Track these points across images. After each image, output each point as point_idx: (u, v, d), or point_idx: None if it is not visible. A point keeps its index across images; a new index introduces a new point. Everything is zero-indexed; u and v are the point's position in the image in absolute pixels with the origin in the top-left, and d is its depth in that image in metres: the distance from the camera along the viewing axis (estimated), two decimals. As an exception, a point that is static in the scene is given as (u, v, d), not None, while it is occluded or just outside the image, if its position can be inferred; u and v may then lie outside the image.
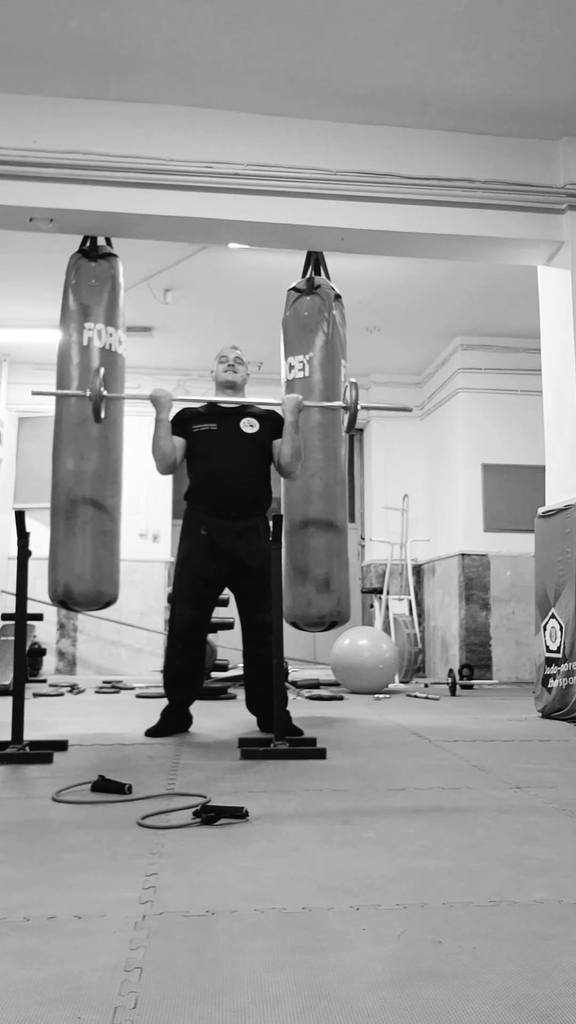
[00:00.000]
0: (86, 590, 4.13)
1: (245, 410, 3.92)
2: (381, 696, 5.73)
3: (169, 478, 8.01)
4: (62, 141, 4.32)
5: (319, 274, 4.68)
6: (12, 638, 5.36)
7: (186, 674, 3.83)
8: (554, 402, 4.86)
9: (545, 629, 4.62)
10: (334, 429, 4.38)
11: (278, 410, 3.95)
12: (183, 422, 3.87)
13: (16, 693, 3.08)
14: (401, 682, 6.85)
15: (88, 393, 3.82)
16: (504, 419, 7.40)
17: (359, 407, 3.81)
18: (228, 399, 3.92)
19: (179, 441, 3.83)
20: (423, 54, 4.05)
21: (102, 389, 3.76)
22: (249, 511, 3.79)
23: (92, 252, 4.46)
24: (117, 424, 4.31)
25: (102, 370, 3.88)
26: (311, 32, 3.91)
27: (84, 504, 4.14)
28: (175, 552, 3.98)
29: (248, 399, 4.00)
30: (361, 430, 8.85)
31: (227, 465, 3.77)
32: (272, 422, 3.91)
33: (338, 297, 4.57)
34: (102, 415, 3.81)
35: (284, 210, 4.51)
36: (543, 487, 4.93)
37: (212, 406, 3.94)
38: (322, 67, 4.15)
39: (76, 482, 4.16)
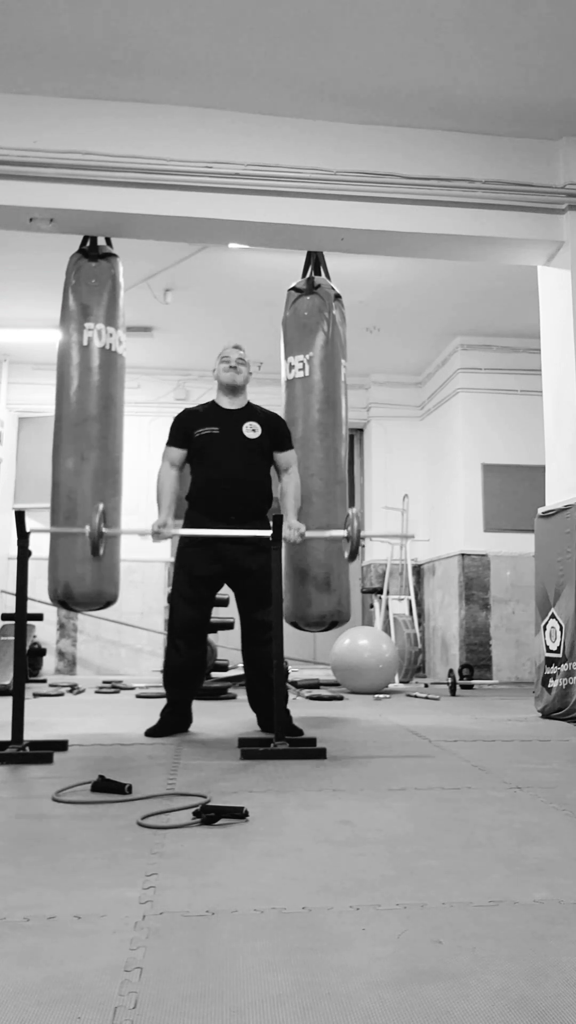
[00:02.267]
0: (86, 590, 4.13)
1: (247, 414, 3.90)
2: (381, 696, 5.73)
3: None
4: (62, 141, 4.32)
5: (319, 274, 4.68)
6: (12, 638, 5.36)
7: (186, 673, 3.83)
8: (554, 402, 4.86)
9: (545, 629, 4.62)
10: (334, 429, 4.39)
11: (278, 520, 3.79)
12: (185, 427, 3.86)
13: (16, 693, 3.08)
14: (401, 682, 6.85)
15: (87, 531, 3.60)
16: (504, 419, 7.40)
17: (362, 537, 3.67)
18: (230, 404, 3.90)
19: (178, 454, 3.84)
20: (423, 54, 4.05)
21: (101, 526, 3.57)
22: (249, 515, 3.78)
23: (92, 252, 4.46)
24: (117, 424, 4.31)
25: (101, 506, 3.66)
26: (311, 32, 3.91)
27: (84, 504, 4.14)
28: (175, 552, 3.98)
29: (250, 399, 3.99)
30: (361, 430, 8.85)
31: (228, 470, 3.77)
32: (273, 426, 3.90)
33: (338, 297, 4.57)
34: (100, 552, 3.62)
35: (284, 210, 4.51)
36: (543, 487, 4.93)
37: (214, 408, 3.93)
38: (322, 67, 4.15)
39: (76, 482, 4.16)
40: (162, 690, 3.99)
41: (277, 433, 3.90)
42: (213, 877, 1.66)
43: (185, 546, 3.84)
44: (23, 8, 3.76)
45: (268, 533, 3.46)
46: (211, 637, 5.58)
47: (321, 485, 4.28)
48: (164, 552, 8.28)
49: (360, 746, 3.44)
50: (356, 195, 4.54)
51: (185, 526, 3.86)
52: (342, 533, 3.67)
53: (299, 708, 4.73)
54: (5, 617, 6.04)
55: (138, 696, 5.72)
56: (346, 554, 3.69)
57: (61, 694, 5.80)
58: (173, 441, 3.87)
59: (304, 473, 4.14)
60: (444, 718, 4.44)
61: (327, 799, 2.39)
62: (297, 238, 4.69)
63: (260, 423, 3.88)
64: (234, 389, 3.92)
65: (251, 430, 3.84)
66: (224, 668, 6.16)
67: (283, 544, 3.57)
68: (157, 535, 3.66)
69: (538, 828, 2.06)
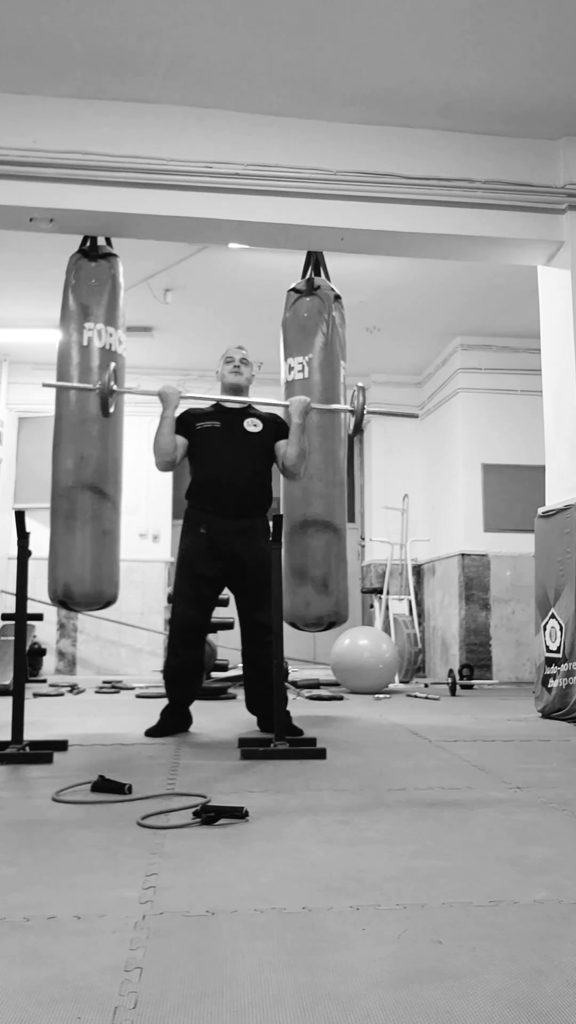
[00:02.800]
0: (86, 590, 4.13)
1: (249, 410, 3.93)
2: (381, 696, 5.73)
3: (169, 478, 8.02)
4: (62, 141, 4.32)
5: (319, 274, 4.68)
6: (12, 638, 5.36)
7: (186, 673, 3.84)
8: (554, 402, 4.86)
9: (545, 629, 4.62)
10: (333, 431, 4.39)
11: (283, 412, 3.95)
12: (187, 421, 3.87)
13: (16, 693, 3.08)
14: (401, 682, 6.85)
15: (97, 387, 3.82)
16: (504, 419, 7.40)
17: (366, 411, 3.79)
18: (233, 399, 3.92)
19: (180, 440, 3.83)
20: (423, 54, 4.05)
21: (112, 383, 3.76)
22: (249, 510, 3.79)
23: (92, 252, 4.46)
24: (117, 424, 4.31)
25: (112, 365, 3.90)
26: (311, 32, 3.91)
27: (84, 504, 4.14)
28: (175, 552, 3.99)
29: (252, 399, 4.00)
30: (361, 430, 8.84)
31: (229, 464, 3.78)
32: (275, 424, 3.91)
33: (338, 298, 4.57)
34: (110, 409, 3.81)
35: (284, 210, 4.51)
36: (543, 487, 4.93)
37: (216, 405, 3.95)
38: (322, 67, 4.15)
39: (76, 482, 4.16)
40: (162, 690, 3.99)
41: (280, 427, 3.91)
42: (213, 877, 1.66)
43: (186, 546, 3.84)
44: (23, 8, 3.76)
45: (268, 535, 3.46)
46: (211, 637, 5.58)
47: (321, 487, 4.28)
48: (164, 552, 8.28)
49: (360, 746, 3.44)
50: (356, 195, 4.54)
51: (185, 523, 3.86)
52: (347, 407, 3.78)
53: (299, 708, 4.73)
54: (5, 617, 6.00)
55: (138, 696, 5.72)
56: (350, 429, 3.75)
57: (61, 694, 5.80)
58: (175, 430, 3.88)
59: (304, 474, 4.14)
60: (444, 718, 4.44)
61: (327, 799, 2.39)
62: (297, 238, 4.69)
63: (261, 419, 3.90)
64: (238, 390, 3.93)
65: (252, 425, 3.86)
66: (224, 668, 6.15)
67: (282, 542, 3.57)
68: (164, 396, 3.75)
69: (538, 828, 2.06)
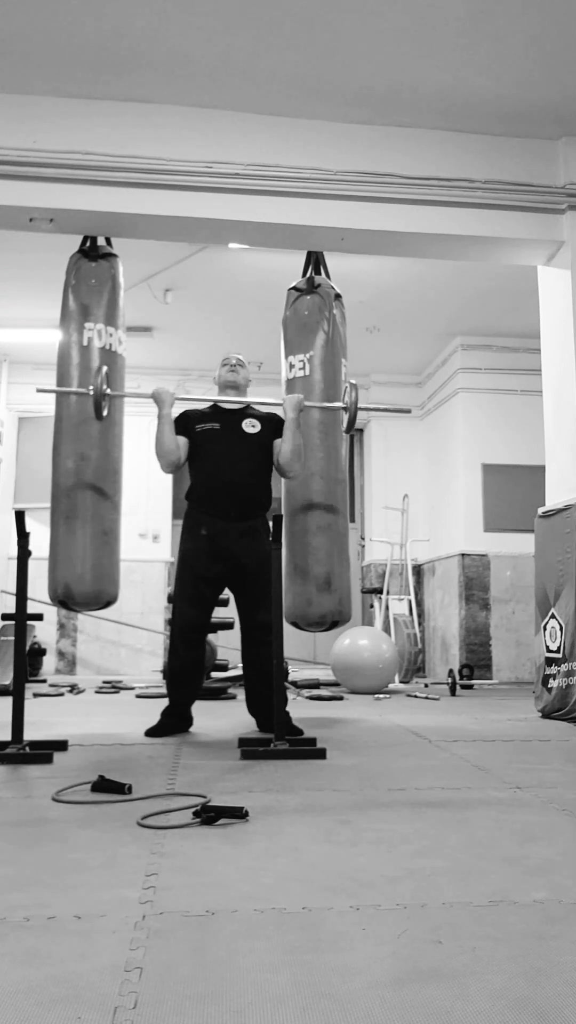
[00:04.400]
0: (86, 590, 4.13)
1: (247, 411, 3.94)
2: (381, 696, 5.73)
3: (169, 478, 8.02)
4: (62, 141, 4.32)
5: (319, 274, 4.68)
6: (12, 638, 5.36)
7: (187, 674, 3.84)
8: (554, 402, 4.86)
9: (545, 629, 4.62)
10: (334, 428, 4.38)
11: (279, 411, 3.95)
12: (185, 422, 3.87)
13: (16, 693, 3.08)
14: (401, 682, 6.85)
15: (90, 390, 3.83)
16: (504, 419, 7.40)
17: (359, 408, 3.81)
18: (230, 399, 3.93)
19: (182, 440, 3.84)
20: (423, 54, 4.05)
21: (104, 387, 3.77)
22: (250, 512, 3.79)
23: (92, 252, 4.46)
24: (117, 424, 4.31)
25: (104, 368, 3.88)
26: (311, 32, 3.91)
27: (84, 504, 4.14)
28: (175, 552, 3.99)
29: (250, 399, 4.01)
30: (361, 430, 8.85)
31: (229, 465, 3.78)
32: (274, 424, 3.92)
33: (338, 296, 4.57)
34: (104, 413, 3.82)
35: (284, 210, 4.51)
36: (543, 487, 4.93)
37: (214, 407, 3.96)
38: (322, 67, 4.15)
39: (76, 482, 4.16)
40: (162, 690, 4.00)
41: (278, 426, 3.92)
42: (213, 877, 1.66)
43: (187, 547, 3.84)
44: (23, 8, 3.76)
45: (268, 537, 3.46)
46: (211, 637, 5.58)
47: (322, 484, 4.28)
48: (164, 552, 8.28)
49: (360, 746, 3.44)
50: (356, 195, 4.54)
51: (185, 524, 3.86)
52: (340, 405, 3.80)
53: (299, 708, 4.73)
54: (5, 617, 6.01)
55: (138, 696, 5.72)
56: (343, 425, 3.76)
57: (61, 694, 5.80)
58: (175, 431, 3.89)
59: (304, 472, 4.14)
60: (444, 718, 4.44)
61: (327, 799, 2.39)
62: (297, 238, 4.69)
63: (259, 419, 3.91)
64: (234, 388, 3.95)
65: (251, 426, 3.87)
66: (224, 668, 6.15)
67: (283, 543, 3.58)
68: (158, 397, 3.77)
69: (538, 828, 2.06)
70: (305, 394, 4.40)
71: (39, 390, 4.20)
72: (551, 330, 4.90)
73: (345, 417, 3.86)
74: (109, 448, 4.25)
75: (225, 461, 3.78)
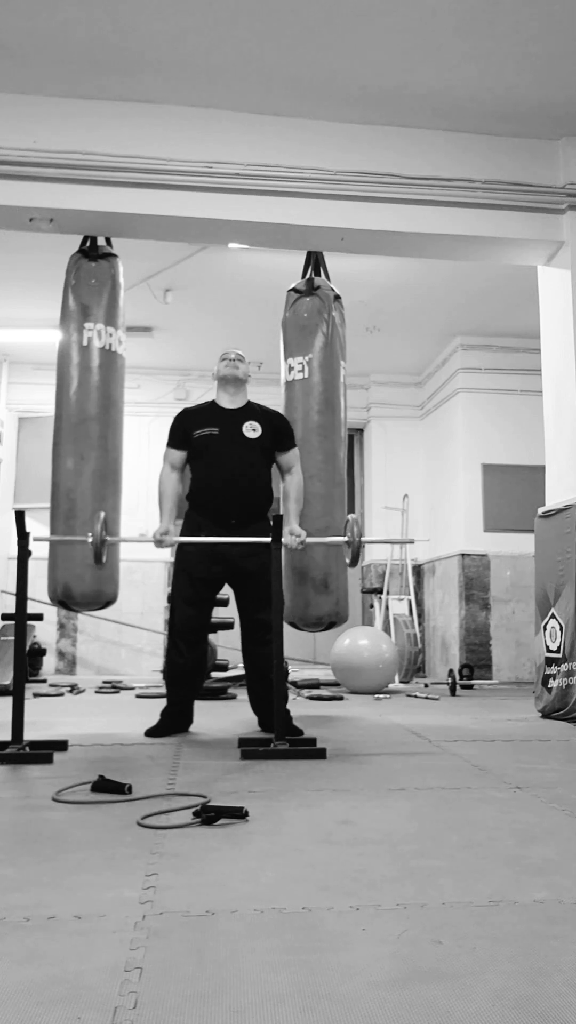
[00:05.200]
0: (86, 590, 4.13)
1: (247, 413, 3.88)
2: (381, 696, 5.73)
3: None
4: (62, 141, 4.32)
5: (319, 274, 4.68)
6: (12, 638, 5.36)
7: (187, 674, 3.83)
8: (554, 402, 4.86)
9: (545, 629, 4.62)
10: (333, 431, 4.39)
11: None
12: (184, 428, 3.85)
13: (16, 693, 3.08)
14: (401, 682, 6.85)
15: (89, 537, 3.58)
16: (504, 419, 7.40)
17: (362, 541, 3.65)
18: (230, 403, 3.89)
19: (178, 456, 3.84)
20: (423, 54, 4.05)
21: (104, 534, 3.55)
22: (249, 516, 3.77)
23: (92, 252, 4.46)
24: (117, 424, 4.31)
25: (103, 515, 3.62)
26: (311, 32, 3.91)
27: (84, 504, 4.14)
28: (175, 552, 3.98)
29: (250, 397, 3.98)
30: (361, 430, 8.85)
31: (228, 471, 3.75)
32: (274, 425, 3.89)
33: (338, 298, 4.57)
34: (103, 560, 3.61)
35: (284, 210, 4.51)
36: (543, 487, 4.93)
37: (214, 407, 3.92)
38: (322, 67, 4.15)
39: (76, 482, 4.16)
40: (162, 690, 3.99)
41: (279, 432, 3.88)
42: (213, 877, 1.66)
43: (185, 548, 3.83)
44: (24, 8, 3.76)
45: (268, 540, 3.45)
46: (211, 637, 5.58)
47: (320, 487, 4.28)
48: (164, 552, 8.26)
49: (360, 746, 3.44)
50: (356, 195, 4.54)
51: (185, 527, 3.85)
52: (343, 539, 3.66)
53: (299, 708, 4.73)
54: (5, 617, 6.04)
55: (138, 696, 5.72)
56: (347, 559, 3.68)
57: (61, 694, 5.80)
58: (172, 443, 3.86)
59: (303, 475, 4.14)
60: (444, 718, 4.44)
61: (327, 799, 2.39)
62: (297, 238, 4.69)
63: (260, 422, 3.86)
64: (234, 382, 3.89)
65: (251, 430, 3.82)
66: (224, 668, 6.15)
67: (283, 547, 3.57)
68: (160, 543, 3.67)
69: (538, 828, 2.06)
70: (304, 397, 4.40)
71: (36, 539, 3.51)
72: (551, 330, 4.90)
73: (349, 551, 3.70)
74: (109, 448, 4.25)
75: (224, 466, 3.76)
